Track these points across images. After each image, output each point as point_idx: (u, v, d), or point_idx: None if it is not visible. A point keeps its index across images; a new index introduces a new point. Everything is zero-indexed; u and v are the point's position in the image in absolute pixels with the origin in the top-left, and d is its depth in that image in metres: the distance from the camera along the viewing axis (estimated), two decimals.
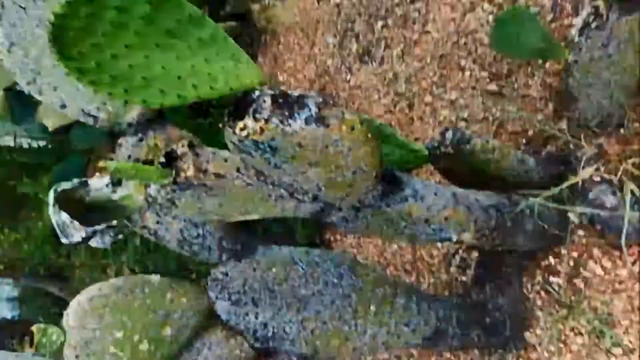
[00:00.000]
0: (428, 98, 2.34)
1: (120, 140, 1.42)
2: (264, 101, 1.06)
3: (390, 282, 1.76)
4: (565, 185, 1.70)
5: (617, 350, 1.61)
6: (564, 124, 1.80)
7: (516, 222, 1.62)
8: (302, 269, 1.60)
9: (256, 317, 1.56)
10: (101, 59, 0.95)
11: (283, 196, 1.34)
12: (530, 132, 1.94)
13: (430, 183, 1.45)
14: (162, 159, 1.27)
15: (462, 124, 2.17)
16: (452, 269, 1.99)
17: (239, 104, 1.09)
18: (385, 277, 1.78)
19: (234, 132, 1.08)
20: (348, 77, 2.78)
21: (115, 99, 0.96)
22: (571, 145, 1.76)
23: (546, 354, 1.73)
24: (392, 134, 1.60)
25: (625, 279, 1.63)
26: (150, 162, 1.29)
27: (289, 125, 1.06)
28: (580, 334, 1.68)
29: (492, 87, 2.12)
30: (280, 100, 1.07)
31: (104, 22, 0.96)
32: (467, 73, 2.23)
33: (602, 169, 1.70)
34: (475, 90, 2.19)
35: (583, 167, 1.71)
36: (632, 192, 1.63)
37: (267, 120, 1.05)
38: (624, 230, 1.61)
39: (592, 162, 1.72)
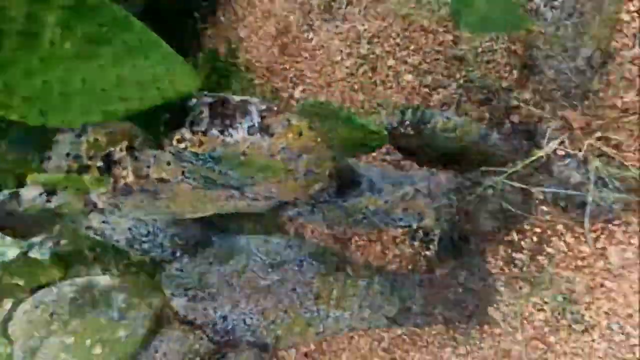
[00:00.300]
0: (391, 61, 2.24)
1: (57, 137, 1.31)
2: (202, 111, 0.97)
3: (352, 264, 1.73)
4: (529, 160, 1.65)
5: (579, 327, 1.62)
6: (528, 94, 1.74)
7: (478, 204, 1.58)
8: (261, 259, 1.55)
9: (214, 311, 1.52)
10: (10, 77, 0.84)
11: (234, 195, 1.27)
12: (494, 102, 1.87)
13: (387, 172, 1.39)
14: (100, 163, 1.18)
15: (425, 90, 2.09)
16: (416, 243, 1.96)
17: (175, 111, 1.00)
18: (347, 260, 1.74)
19: (171, 144, 1.00)
20: (310, 36, 2.65)
21: (30, 123, 0.85)
22: (536, 117, 1.70)
23: (509, 329, 1.74)
24: (350, 116, 1.52)
25: (588, 256, 1.62)
26: (86, 168, 1.20)
27: (231, 135, 0.98)
28: (543, 310, 1.68)
29: (456, 51, 2.03)
30: (220, 109, 0.98)
31: (11, 33, 0.84)
32: (431, 35, 2.13)
33: (567, 142, 1.66)
34: (439, 54, 2.10)
35: (548, 141, 1.67)
36: (596, 168, 1.59)
37: (205, 132, 0.97)
38: (588, 208, 1.58)
39: (557, 135, 1.67)
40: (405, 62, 2.14)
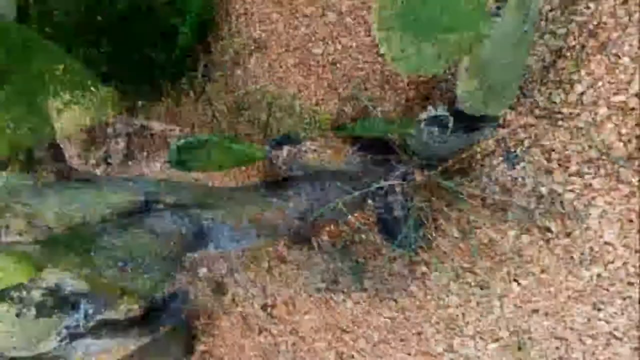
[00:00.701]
0: (350, 19, 2.12)
1: None
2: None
3: (286, 236, 1.77)
4: (464, 154, 1.67)
5: (490, 313, 1.75)
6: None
7: (410, 195, 1.62)
8: (197, 231, 1.57)
9: (144, 282, 1.56)
10: None
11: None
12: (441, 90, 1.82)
13: (319, 175, 1.39)
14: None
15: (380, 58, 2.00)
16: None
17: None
18: (281, 233, 1.78)
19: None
20: None
21: None
22: (477, 114, 1.68)
23: (424, 306, 1.87)
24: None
25: (507, 252, 1.69)
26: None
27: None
28: (457, 295, 1.79)
29: None
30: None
31: None
32: None
33: (504, 142, 1.66)
34: None
35: (484, 139, 1.67)
36: (524, 169, 1.62)
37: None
38: (510, 211, 1.64)
39: (495, 134, 1.67)
40: (365, 22, 2.04)
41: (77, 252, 1.50)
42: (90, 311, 1.24)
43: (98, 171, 2.52)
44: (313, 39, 2.13)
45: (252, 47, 2.39)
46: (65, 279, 1.21)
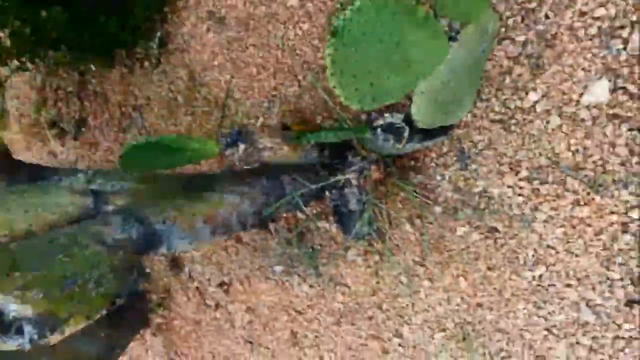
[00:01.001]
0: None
1: None
2: None
3: (242, 232, 1.78)
4: (419, 154, 1.69)
5: (417, 302, 1.84)
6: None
7: (365, 189, 1.64)
8: (145, 236, 1.56)
9: (95, 299, 1.54)
10: None
11: None
12: None
13: (275, 170, 1.39)
14: None
15: None
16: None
17: None
18: (236, 229, 1.79)
19: None
20: None
21: None
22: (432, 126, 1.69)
23: (381, 293, 1.92)
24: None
25: (456, 248, 1.74)
26: None
27: None
28: (408, 285, 1.85)
29: None
30: None
31: None
32: None
33: (462, 141, 1.68)
34: None
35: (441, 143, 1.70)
36: (477, 169, 1.65)
37: None
38: (437, 209, 1.69)
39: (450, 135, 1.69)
40: (327, 9, 1.98)
41: (18, 271, 1.46)
42: (35, 337, 1.22)
43: (55, 143, 2.44)
44: (273, 20, 2.07)
45: (210, 22, 2.31)
46: (8, 304, 1.18)
